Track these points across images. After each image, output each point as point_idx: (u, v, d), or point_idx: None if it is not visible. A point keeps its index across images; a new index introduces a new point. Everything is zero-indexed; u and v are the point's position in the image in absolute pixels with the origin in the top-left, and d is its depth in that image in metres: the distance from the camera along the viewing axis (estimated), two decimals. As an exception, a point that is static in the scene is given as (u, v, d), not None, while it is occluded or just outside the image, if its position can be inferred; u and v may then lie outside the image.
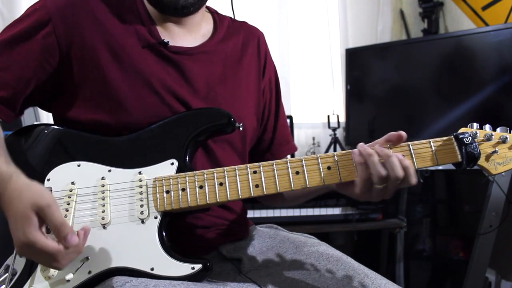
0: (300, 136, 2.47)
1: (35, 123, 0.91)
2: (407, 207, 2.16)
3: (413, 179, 0.76)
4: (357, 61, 2.41)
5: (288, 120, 2.29)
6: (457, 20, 2.48)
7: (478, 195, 1.96)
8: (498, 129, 0.84)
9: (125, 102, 0.86)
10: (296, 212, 1.91)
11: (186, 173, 0.83)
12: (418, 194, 2.27)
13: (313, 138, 2.43)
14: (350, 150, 0.81)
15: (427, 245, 2.29)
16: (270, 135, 1.08)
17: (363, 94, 2.42)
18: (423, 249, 2.29)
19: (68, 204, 0.82)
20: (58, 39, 0.86)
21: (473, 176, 2.05)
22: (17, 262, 0.80)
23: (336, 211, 1.98)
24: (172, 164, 0.84)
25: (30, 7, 0.90)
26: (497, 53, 1.98)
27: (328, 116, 2.35)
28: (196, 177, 0.82)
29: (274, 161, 0.82)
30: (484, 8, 2.29)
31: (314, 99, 2.54)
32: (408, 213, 2.17)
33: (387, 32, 2.57)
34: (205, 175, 0.82)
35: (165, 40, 0.91)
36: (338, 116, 2.34)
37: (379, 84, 2.35)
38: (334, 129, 2.33)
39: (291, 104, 2.49)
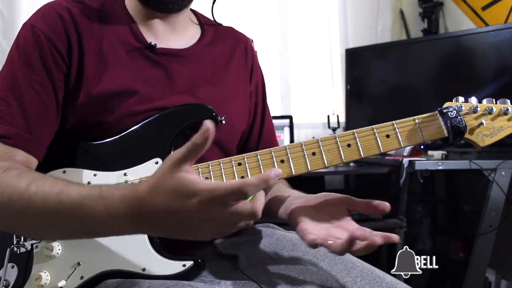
0: (300, 136, 2.46)
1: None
2: (407, 207, 2.16)
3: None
4: (357, 61, 2.41)
5: (288, 120, 2.30)
6: (457, 20, 2.48)
7: (478, 195, 1.95)
8: (484, 101, 0.83)
9: (111, 112, 0.85)
10: (296, 212, 1.91)
11: None
12: (418, 194, 2.27)
13: (313, 138, 2.42)
14: (334, 135, 0.81)
15: (427, 245, 2.28)
16: (256, 139, 1.08)
17: (363, 94, 2.42)
18: (423, 249, 2.28)
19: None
20: (62, 57, 0.84)
21: (473, 176, 2.05)
22: (9, 273, 0.80)
23: (336, 211, 1.97)
24: (157, 163, 0.83)
25: (21, 38, 0.85)
26: (497, 53, 1.98)
27: (328, 116, 2.35)
28: None
29: (258, 152, 0.81)
30: (484, 8, 2.29)
31: (314, 99, 2.54)
32: (408, 213, 2.17)
33: (387, 32, 2.57)
34: None
35: (152, 43, 0.90)
36: (338, 116, 2.34)
37: (379, 84, 2.35)
38: (334, 129, 2.33)
39: (291, 104, 2.49)
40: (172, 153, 0.65)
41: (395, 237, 0.70)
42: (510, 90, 1.92)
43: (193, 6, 1.02)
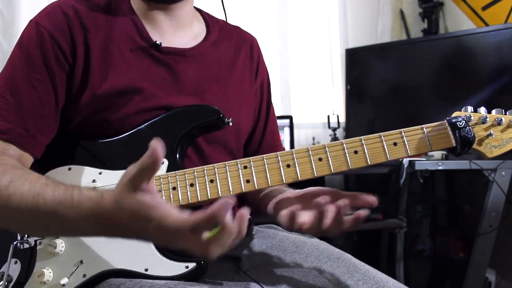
0: (300, 136, 2.46)
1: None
2: (407, 207, 2.16)
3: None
4: (357, 61, 2.41)
5: (288, 120, 2.30)
6: (457, 20, 2.48)
7: (478, 195, 1.96)
8: (494, 111, 0.82)
9: (116, 111, 0.85)
10: (296, 212, 1.91)
11: (176, 171, 0.82)
12: (418, 194, 2.27)
13: (313, 138, 2.43)
14: (341, 141, 0.81)
15: (427, 245, 2.28)
16: (259, 139, 1.07)
17: (363, 94, 2.42)
18: (423, 249, 2.28)
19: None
20: (65, 56, 0.84)
21: (473, 176, 2.05)
22: (12, 269, 0.80)
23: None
24: (162, 163, 0.83)
25: (25, 35, 0.85)
26: (497, 53, 1.98)
27: (328, 116, 2.35)
28: (186, 175, 0.81)
29: (264, 155, 0.81)
30: (484, 8, 2.29)
31: (314, 99, 2.54)
32: (408, 213, 2.17)
33: (387, 32, 2.57)
34: (195, 173, 0.81)
35: (157, 42, 0.90)
36: (338, 116, 2.34)
37: (379, 84, 2.35)
38: (334, 129, 2.33)
39: (291, 104, 2.49)
40: (128, 168, 0.63)
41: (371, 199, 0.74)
42: (510, 90, 1.92)
43: (196, 5, 1.02)
